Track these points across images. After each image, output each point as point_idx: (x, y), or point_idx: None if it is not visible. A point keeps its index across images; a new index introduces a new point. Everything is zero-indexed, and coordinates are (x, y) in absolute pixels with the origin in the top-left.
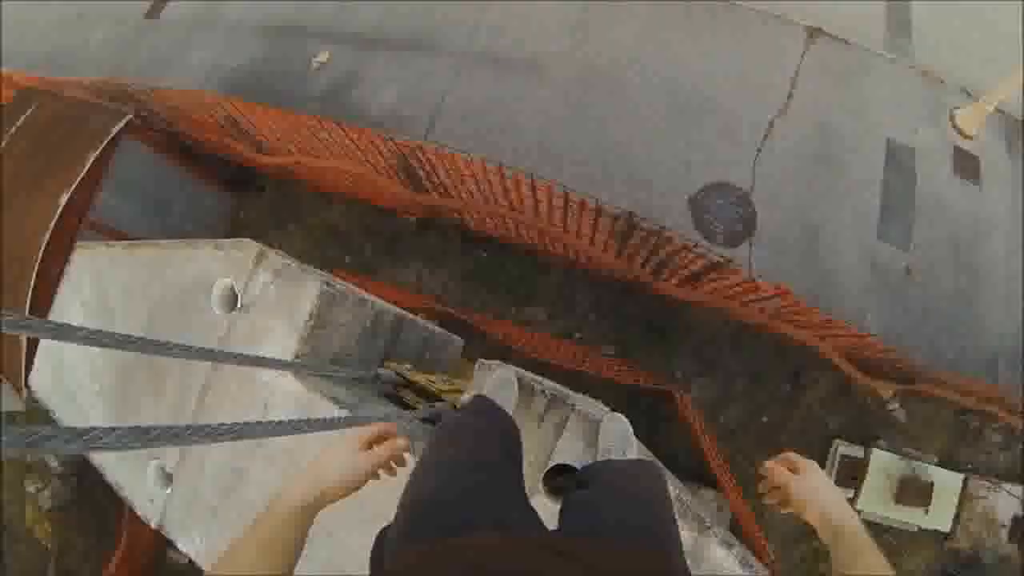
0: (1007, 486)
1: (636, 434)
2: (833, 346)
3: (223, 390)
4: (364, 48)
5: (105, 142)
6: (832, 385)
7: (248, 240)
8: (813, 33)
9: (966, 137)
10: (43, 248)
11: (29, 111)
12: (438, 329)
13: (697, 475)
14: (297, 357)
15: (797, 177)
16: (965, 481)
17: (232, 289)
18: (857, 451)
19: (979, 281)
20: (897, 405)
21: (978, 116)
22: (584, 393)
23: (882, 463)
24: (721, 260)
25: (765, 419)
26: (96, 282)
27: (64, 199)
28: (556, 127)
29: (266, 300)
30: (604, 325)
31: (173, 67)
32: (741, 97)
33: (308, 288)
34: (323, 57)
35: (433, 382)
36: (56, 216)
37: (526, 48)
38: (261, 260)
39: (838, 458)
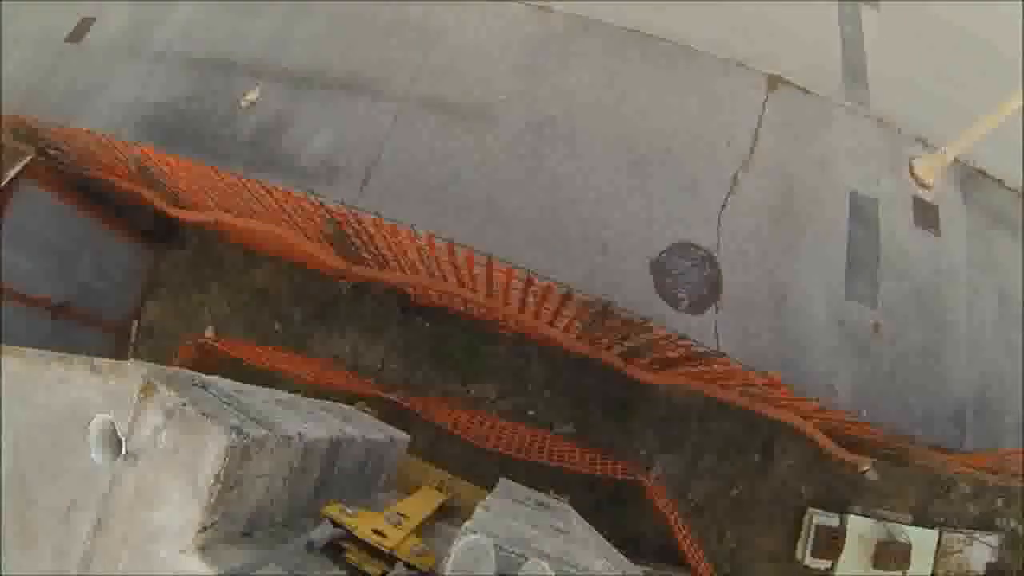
0: (979, 535)
1: (600, 515)
2: (815, 424)
3: (110, 562)
4: (297, 86)
5: None
6: (804, 453)
7: (132, 364)
8: (773, 82)
9: (925, 187)
10: None
11: None
12: (380, 436)
13: (666, 555)
14: (203, 529)
15: (762, 234)
16: (939, 536)
17: (114, 429)
18: (832, 519)
19: (944, 332)
20: (869, 467)
21: (937, 166)
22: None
23: (859, 529)
24: (708, 350)
25: (735, 492)
26: None
27: None
28: (505, 182)
29: (157, 450)
30: (560, 401)
31: (93, 97)
32: (703, 149)
33: (211, 440)
34: (252, 96)
35: (382, 534)
36: None
37: (473, 93)
38: (149, 395)
39: (813, 528)
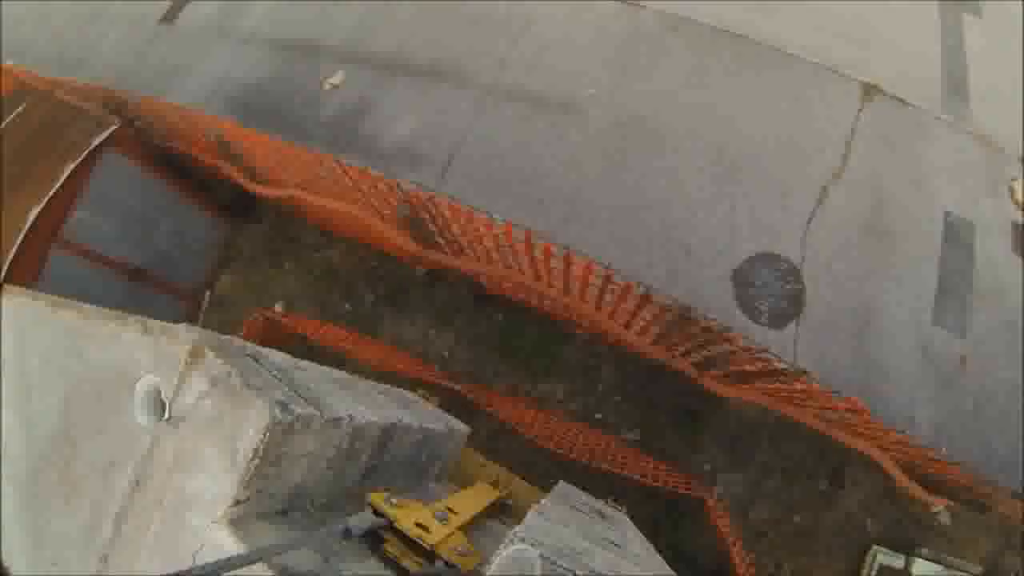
0: None
1: (658, 527)
2: (892, 458)
3: (143, 523)
4: (381, 73)
5: (84, 153)
6: (874, 485)
7: (184, 327)
8: (869, 90)
9: None
10: (7, 266)
11: (18, 110)
12: (438, 425)
13: None
14: (237, 503)
15: (850, 250)
16: None
17: (159, 392)
18: (897, 560)
19: None
20: (942, 508)
21: None
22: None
23: (924, 573)
24: (790, 367)
25: (798, 519)
26: (19, 341)
27: (34, 213)
28: (588, 179)
29: (200, 416)
30: (628, 407)
31: (182, 76)
32: (792, 158)
33: (253, 414)
34: (336, 79)
35: (425, 528)
36: (24, 231)
37: (560, 87)
38: (196, 360)
39: (876, 567)
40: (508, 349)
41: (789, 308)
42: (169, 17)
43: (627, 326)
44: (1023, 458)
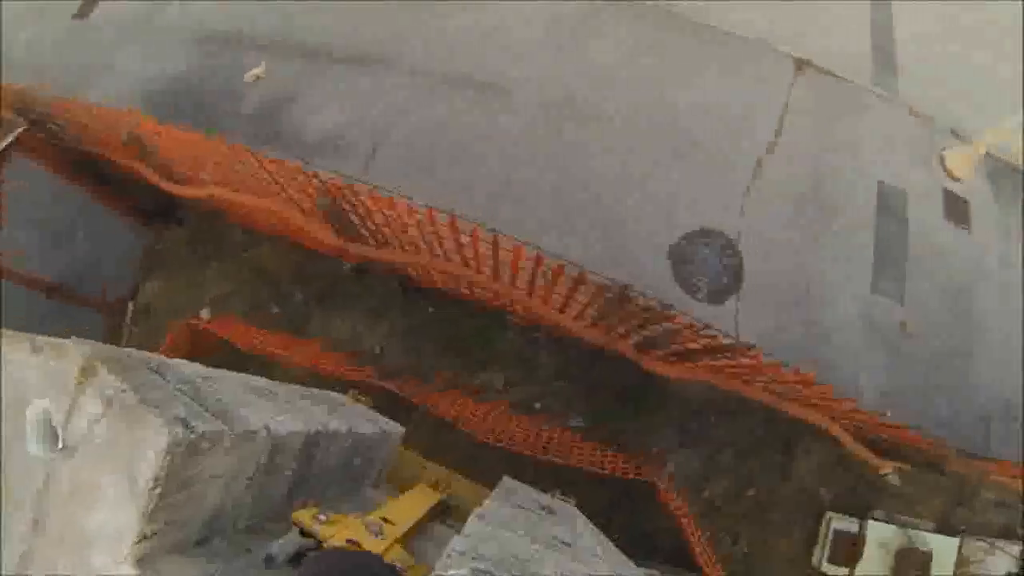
0: (1002, 544)
1: (612, 512)
2: (844, 426)
3: (48, 566)
4: (305, 62)
5: None
6: (825, 454)
7: (72, 342)
8: (801, 65)
9: (955, 179)
10: None
11: None
12: (370, 428)
13: (681, 556)
14: (142, 538)
15: (787, 222)
16: (961, 544)
17: (49, 418)
18: (851, 524)
19: (973, 333)
20: (891, 470)
21: (968, 158)
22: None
23: (878, 535)
24: (736, 342)
25: (753, 493)
26: None
27: None
28: (520, 160)
29: (94, 442)
30: (571, 393)
31: (98, 75)
32: (726, 132)
33: (151, 435)
34: (258, 70)
35: (358, 544)
36: None
37: (489, 68)
38: (88, 379)
39: (831, 533)
40: (443, 341)
41: (728, 283)
42: (83, 13)
43: (562, 310)
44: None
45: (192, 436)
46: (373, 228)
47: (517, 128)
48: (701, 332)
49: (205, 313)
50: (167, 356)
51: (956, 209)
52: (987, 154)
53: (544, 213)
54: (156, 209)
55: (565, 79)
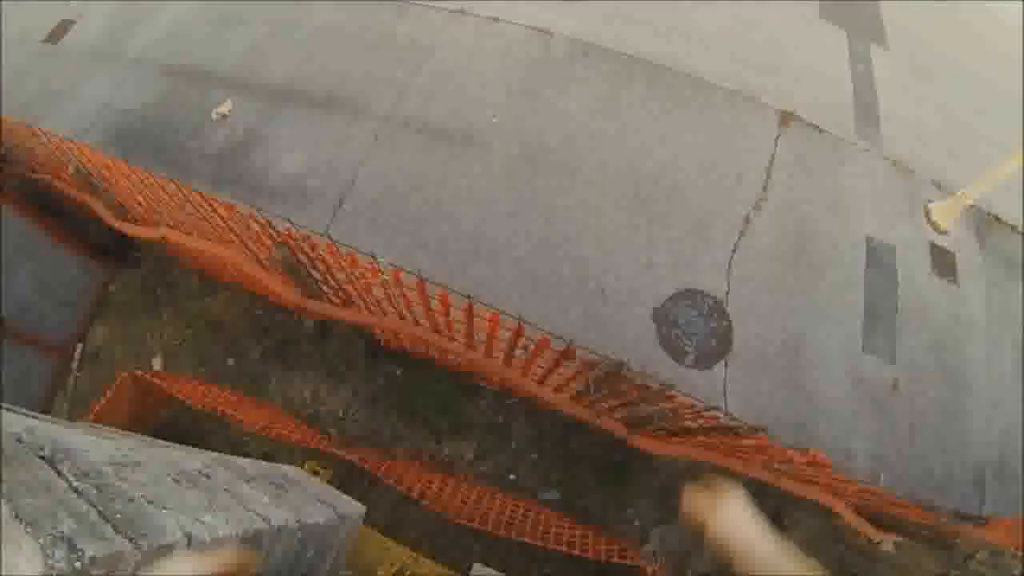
0: None
1: None
2: (847, 504)
3: None
4: (272, 102)
5: None
6: (816, 524)
7: None
8: (785, 118)
9: (941, 232)
10: None
11: None
12: (324, 516)
13: None
14: None
15: (776, 281)
16: None
17: None
18: None
19: (963, 389)
20: (891, 546)
21: (953, 210)
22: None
23: None
24: (743, 424)
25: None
26: None
27: None
28: (493, 215)
29: None
30: (546, 464)
31: (61, 102)
32: (712, 187)
33: (23, 562)
34: (224, 108)
35: None
36: None
37: (462, 116)
38: None
39: None
40: (409, 407)
41: (716, 347)
42: (54, 37)
43: (542, 382)
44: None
45: (77, 564)
46: (335, 285)
47: (491, 182)
48: (704, 413)
49: (156, 362)
50: (108, 409)
51: (943, 262)
52: (971, 205)
53: (519, 272)
54: (111, 247)
55: (542, 131)
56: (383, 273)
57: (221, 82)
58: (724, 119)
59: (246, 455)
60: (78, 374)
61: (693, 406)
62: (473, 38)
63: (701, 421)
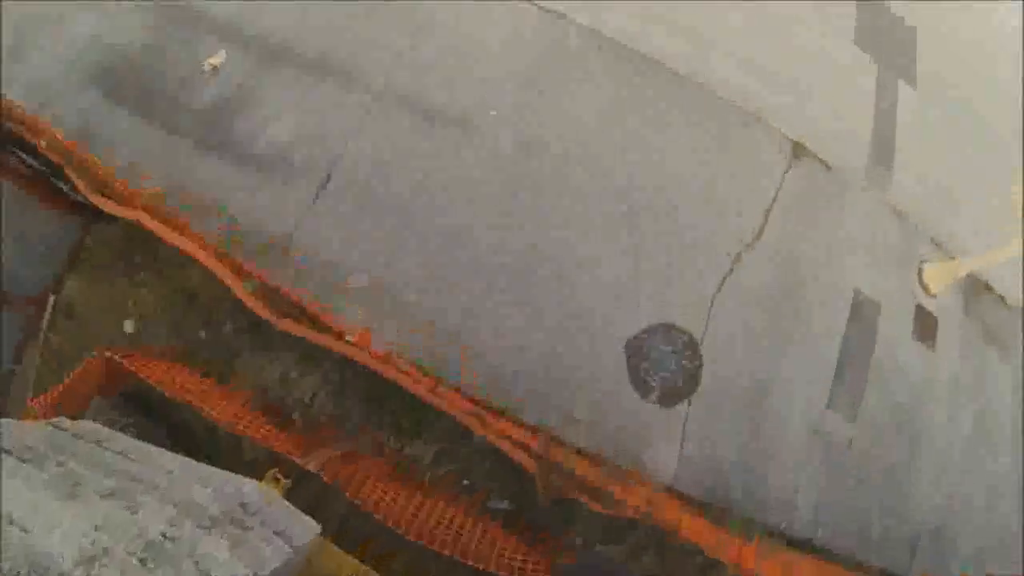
0: None
1: None
2: None
3: None
4: (265, 59)
5: None
6: None
7: None
8: (797, 149)
9: (930, 294)
10: None
11: None
12: (277, 560)
13: None
14: None
15: (756, 324)
16: None
17: None
18: None
19: (915, 453)
20: None
21: (946, 276)
22: None
23: None
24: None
25: None
26: None
27: None
28: (481, 211)
29: None
30: (500, 472)
31: (42, 37)
32: (710, 216)
33: None
34: (216, 59)
35: None
36: None
37: (460, 98)
38: None
39: None
40: (377, 402)
41: (683, 386)
42: None
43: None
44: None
45: None
46: (310, 311)
47: (483, 174)
48: None
49: (129, 325)
50: (78, 380)
51: (925, 326)
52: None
53: (497, 274)
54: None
55: (542, 126)
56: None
57: (215, 28)
58: (736, 144)
59: (213, 431)
60: (48, 332)
61: None
62: (483, 12)
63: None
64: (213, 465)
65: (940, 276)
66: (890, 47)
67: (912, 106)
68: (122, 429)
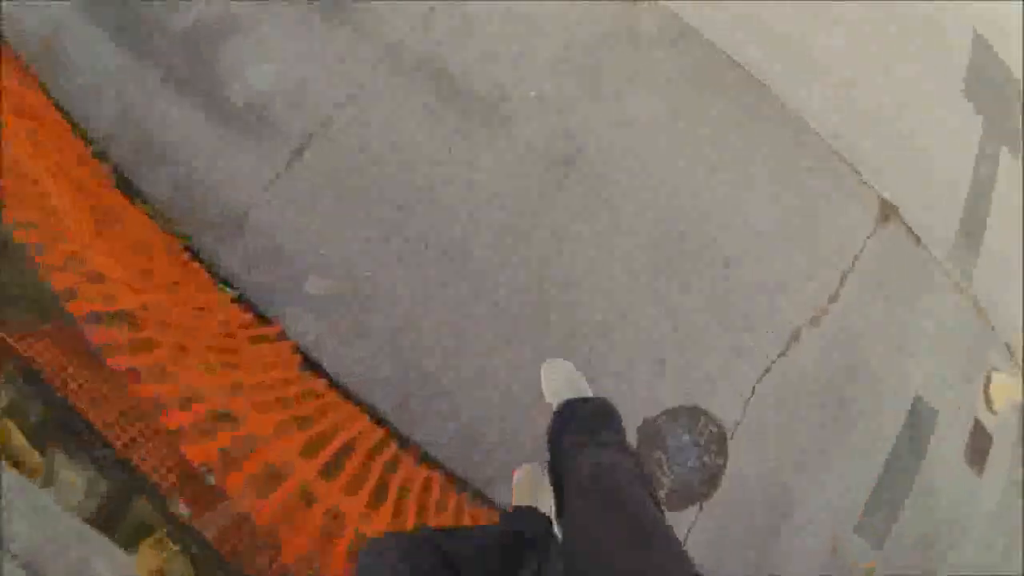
0: None
1: None
2: None
3: None
4: None
5: None
6: None
7: None
8: (886, 211)
9: (991, 410)
10: None
11: None
12: None
13: None
14: None
15: (799, 424)
16: None
17: None
18: None
19: None
20: None
21: (1015, 391)
22: None
23: None
24: None
25: None
26: None
27: None
28: (494, 215)
29: None
30: None
31: None
32: (774, 278)
33: None
34: None
35: None
36: None
37: (490, 77)
38: None
39: None
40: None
41: (698, 487)
42: None
43: None
44: None
45: None
46: None
47: (503, 170)
48: None
49: None
50: None
51: (978, 447)
52: None
53: (501, 296)
54: None
55: (585, 127)
56: None
57: None
58: (821, 190)
59: None
60: None
61: None
62: None
63: None
64: None
65: (1008, 390)
66: (998, 103)
67: (1012, 177)
68: None
